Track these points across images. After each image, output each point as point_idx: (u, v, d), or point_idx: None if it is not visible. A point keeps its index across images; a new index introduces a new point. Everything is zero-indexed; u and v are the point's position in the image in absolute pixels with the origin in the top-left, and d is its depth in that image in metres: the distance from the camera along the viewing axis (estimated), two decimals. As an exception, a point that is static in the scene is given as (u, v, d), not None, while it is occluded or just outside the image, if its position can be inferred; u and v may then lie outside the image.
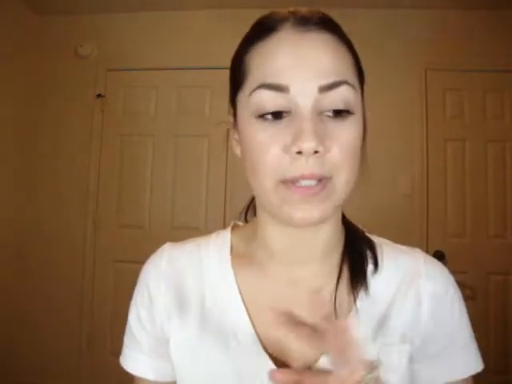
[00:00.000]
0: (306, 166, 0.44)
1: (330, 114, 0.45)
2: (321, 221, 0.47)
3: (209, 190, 2.50)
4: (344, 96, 0.45)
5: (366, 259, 0.54)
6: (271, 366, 0.49)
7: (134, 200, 2.54)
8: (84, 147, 2.57)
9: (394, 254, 0.56)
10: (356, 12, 2.40)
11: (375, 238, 0.58)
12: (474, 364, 0.53)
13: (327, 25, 0.48)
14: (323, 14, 0.49)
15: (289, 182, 0.45)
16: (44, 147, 2.58)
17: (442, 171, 2.40)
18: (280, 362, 0.50)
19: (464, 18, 2.41)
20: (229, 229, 0.60)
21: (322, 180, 0.45)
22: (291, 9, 0.49)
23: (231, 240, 0.59)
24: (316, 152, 0.43)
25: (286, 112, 0.45)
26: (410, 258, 0.56)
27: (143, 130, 2.57)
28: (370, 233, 0.59)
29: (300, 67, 0.45)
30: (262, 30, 0.48)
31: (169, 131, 2.54)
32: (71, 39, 2.61)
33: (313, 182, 0.45)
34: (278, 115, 0.46)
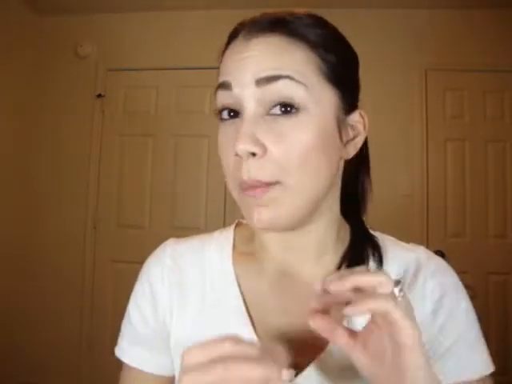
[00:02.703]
0: (246, 170, 0.44)
1: (275, 112, 0.45)
2: (277, 225, 0.47)
3: (209, 190, 2.50)
4: (285, 91, 0.44)
5: (367, 263, 0.53)
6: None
7: (134, 200, 2.54)
8: (84, 147, 2.57)
9: (396, 251, 0.56)
10: (356, 12, 2.40)
11: (378, 235, 0.58)
12: (481, 366, 0.52)
13: (279, 26, 0.47)
14: (279, 15, 0.48)
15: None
16: (44, 147, 2.58)
17: (442, 171, 2.40)
18: None
19: (464, 17, 2.41)
20: (232, 227, 0.61)
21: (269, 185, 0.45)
22: (253, 16, 0.50)
23: (234, 238, 0.59)
24: (254, 154, 0.43)
25: (236, 112, 0.47)
26: (413, 255, 0.55)
27: (143, 130, 2.56)
28: (372, 229, 0.59)
29: (240, 65, 0.46)
30: (229, 38, 0.51)
31: (169, 131, 2.54)
32: (71, 39, 2.61)
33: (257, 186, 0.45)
34: (229, 115, 0.47)
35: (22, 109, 2.50)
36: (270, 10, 0.50)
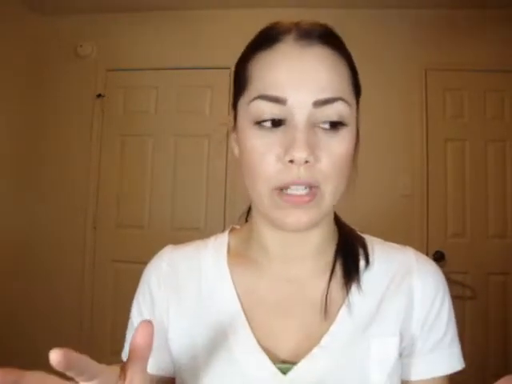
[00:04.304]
0: (297, 174, 0.47)
1: (324, 126, 0.48)
2: (310, 226, 0.50)
3: (209, 190, 2.50)
4: (338, 111, 0.48)
5: (358, 256, 0.57)
6: (266, 359, 0.51)
7: (133, 200, 2.54)
8: (84, 147, 2.57)
9: (385, 250, 0.58)
10: (357, 12, 2.40)
11: (366, 237, 0.60)
12: (455, 363, 0.55)
13: (328, 39, 0.50)
14: (325, 26, 0.51)
15: (281, 189, 0.48)
16: (44, 147, 2.58)
17: (442, 171, 2.40)
18: (273, 356, 0.52)
19: (464, 17, 2.41)
20: (226, 232, 0.63)
21: (312, 189, 0.48)
22: (294, 21, 0.51)
23: (228, 241, 0.61)
24: (307, 162, 0.46)
25: (282, 122, 0.48)
26: (402, 254, 0.58)
27: (143, 130, 2.57)
28: (362, 232, 0.61)
29: (298, 82, 0.47)
30: (266, 39, 0.51)
31: (169, 131, 2.54)
32: (71, 39, 2.61)
33: (302, 188, 0.48)
34: (274, 124, 0.48)
35: (21, 109, 2.50)
36: (303, 19, 0.51)
